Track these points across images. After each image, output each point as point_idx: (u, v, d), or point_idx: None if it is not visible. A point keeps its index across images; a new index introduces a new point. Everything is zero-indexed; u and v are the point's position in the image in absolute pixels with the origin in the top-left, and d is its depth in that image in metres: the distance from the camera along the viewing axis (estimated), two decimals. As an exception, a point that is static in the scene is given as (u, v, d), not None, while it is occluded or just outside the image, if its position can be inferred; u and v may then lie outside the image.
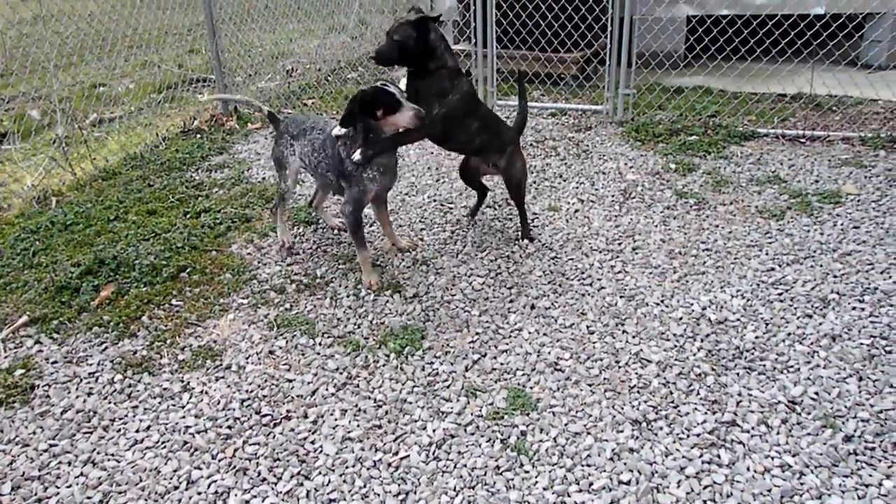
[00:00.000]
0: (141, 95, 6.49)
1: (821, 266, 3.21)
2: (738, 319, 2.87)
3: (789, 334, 2.75)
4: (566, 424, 2.37)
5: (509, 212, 3.90)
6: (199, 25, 7.24)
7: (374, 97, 2.92)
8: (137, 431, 2.43)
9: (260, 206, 4.10)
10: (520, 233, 3.63)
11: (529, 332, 2.86)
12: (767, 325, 2.82)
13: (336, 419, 2.44)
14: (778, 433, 2.28)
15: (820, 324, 2.80)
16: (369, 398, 2.54)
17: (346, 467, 2.24)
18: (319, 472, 2.22)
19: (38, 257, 3.57)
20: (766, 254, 3.35)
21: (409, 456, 2.27)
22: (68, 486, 2.22)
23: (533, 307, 3.03)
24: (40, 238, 3.77)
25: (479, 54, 5.29)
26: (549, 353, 2.73)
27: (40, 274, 3.40)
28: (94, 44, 5.81)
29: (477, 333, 2.87)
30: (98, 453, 2.34)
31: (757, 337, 2.75)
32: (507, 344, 2.80)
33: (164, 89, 6.52)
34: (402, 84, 3.11)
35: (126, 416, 2.51)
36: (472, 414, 2.44)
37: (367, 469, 2.23)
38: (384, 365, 2.71)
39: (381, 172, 3.13)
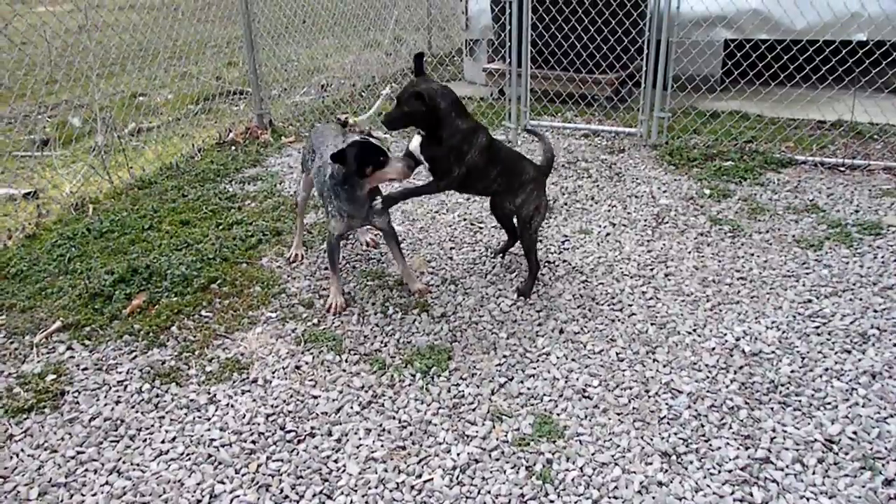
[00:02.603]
0: (178, 106, 6.61)
1: (860, 300, 3.13)
2: (773, 352, 2.80)
3: (827, 370, 2.67)
4: (593, 454, 2.32)
5: (541, 234, 3.86)
6: (237, 39, 7.37)
7: (360, 156, 2.81)
8: (163, 442, 2.44)
9: (291, 219, 4.13)
10: (521, 284, 3.32)
11: (557, 357, 2.82)
12: (804, 359, 2.75)
13: (360, 438, 2.43)
14: (814, 473, 2.20)
15: (859, 360, 2.72)
16: (394, 418, 2.52)
17: (369, 488, 2.22)
18: (342, 492, 2.20)
19: (74, 263, 3.63)
20: (803, 285, 3.27)
21: (432, 479, 2.24)
22: (94, 495, 2.23)
23: (562, 331, 2.99)
24: (76, 244, 3.84)
25: (514, 73, 5.29)
26: (578, 379, 2.68)
27: (75, 280, 3.45)
28: (136, 54, 5.94)
29: (504, 356, 2.83)
30: (124, 462, 2.36)
31: (793, 371, 2.68)
32: (535, 368, 2.76)
33: (201, 101, 6.63)
34: (415, 141, 3.02)
35: (152, 426, 2.52)
36: (497, 439, 2.40)
37: (390, 491, 2.20)
38: (410, 385, 2.69)
39: (346, 216, 3.06)
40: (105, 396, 2.68)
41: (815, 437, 2.34)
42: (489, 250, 3.70)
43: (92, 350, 2.96)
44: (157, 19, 6.15)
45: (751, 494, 2.13)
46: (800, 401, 2.52)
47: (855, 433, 2.35)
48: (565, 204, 4.27)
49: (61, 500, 2.21)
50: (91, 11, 5.22)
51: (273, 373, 2.79)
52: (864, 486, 2.14)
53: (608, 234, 3.86)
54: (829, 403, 2.50)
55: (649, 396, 2.58)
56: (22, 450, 2.42)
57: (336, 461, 2.33)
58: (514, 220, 3.29)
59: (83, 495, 2.23)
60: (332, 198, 3.05)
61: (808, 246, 3.63)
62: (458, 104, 2.93)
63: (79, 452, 2.40)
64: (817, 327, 2.94)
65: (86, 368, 2.85)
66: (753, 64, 5.18)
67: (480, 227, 4.00)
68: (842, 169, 4.63)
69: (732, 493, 2.14)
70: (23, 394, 2.68)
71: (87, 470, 2.33)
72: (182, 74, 7.17)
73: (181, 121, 6.17)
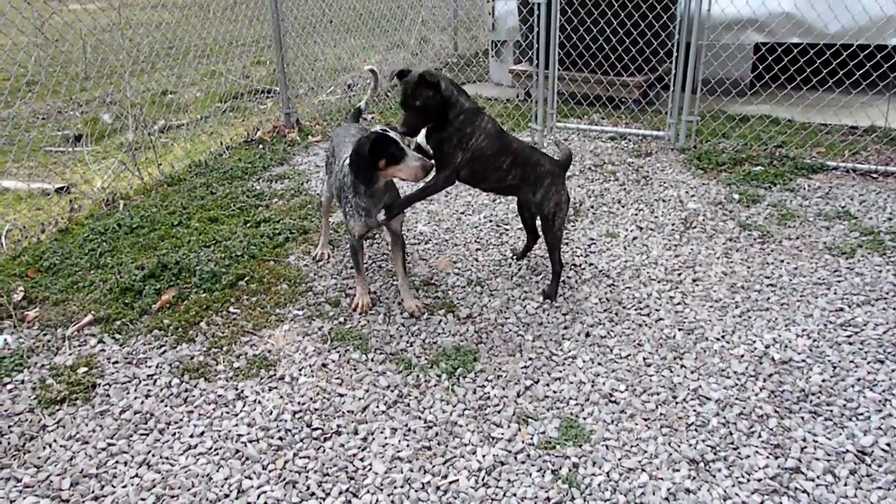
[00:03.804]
0: (207, 104, 6.68)
1: (894, 309, 3.07)
2: (804, 360, 2.76)
3: (859, 379, 2.63)
4: (620, 459, 2.31)
5: (566, 236, 3.85)
6: (265, 38, 7.44)
7: (374, 147, 2.76)
8: (192, 436, 2.47)
9: (317, 218, 4.15)
10: (546, 286, 3.31)
11: (584, 361, 2.80)
12: (835, 368, 2.71)
13: (386, 437, 2.44)
14: (846, 484, 2.17)
15: (892, 370, 2.67)
16: (419, 418, 2.52)
17: (395, 487, 2.22)
18: (368, 491, 2.21)
19: (105, 258, 3.69)
20: (835, 293, 3.22)
21: (458, 480, 2.24)
22: (123, 487, 2.26)
23: (588, 335, 2.98)
24: (107, 239, 3.90)
25: (541, 75, 5.27)
26: (604, 383, 2.67)
27: (106, 275, 3.51)
28: (166, 52, 6.02)
29: (530, 359, 2.83)
30: (153, 456, 2.39)
31: (824, 380, 2.64)
32: (561, 371, 2.75)
33: (228, 99, 6.70)
34: (421, 134, 2.97)
35: (181, 420, 2.55)
36: (523, 441, 2.40)
37: (416, 491, 2.21)
38: (435, 385, 2.69)
39: (364, 214, 3.00)
40: (135, 390, 2.72)
41: (847, 447, 2.31)
42: (513, 254, 3.69)
43: (122, 344, 3.00)
44: (188, 18, 6.23)
45: (780, 504, 2.11)
46: (831, 411, 2.48)
47: (888, 445, 2.31)
48: (592, 207, 4.25)
49: (92, 491, 2.25)
50: (124, 10, 5.31)
51: (300, 370, 2.81)
52: (897, 500, 2.10)
53: (635, 238, 3.84)
54: (861, 414, 2.46)
55: (677, 402, 2.56)
56: (55, 440, 2.46)
57: (362, 460, 2.34)
58: (538, 221, 3.27)
59: (114, 487, 2.27)
60: (351, 196, 3.01)
61: (839, 253, 3.57)
62: (455, 84, 2.89)
63: (109, 444, 2.44)
64: (849, 336, 2.90)
65: (116, 362, 2.89)
66: (784, 68, 5.12)
67: (506, 229, 4.00)
68: (874, 175, 4.56)
69: (762, 502, 2.12)
70: (55, 385, 2.73)
71: (117, 462, 2.36)
72: (210, 72, 7.26)
73: (209, 118, 6.23)
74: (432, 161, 2.90)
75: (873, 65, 4.68)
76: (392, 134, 2.81)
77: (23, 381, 2.76)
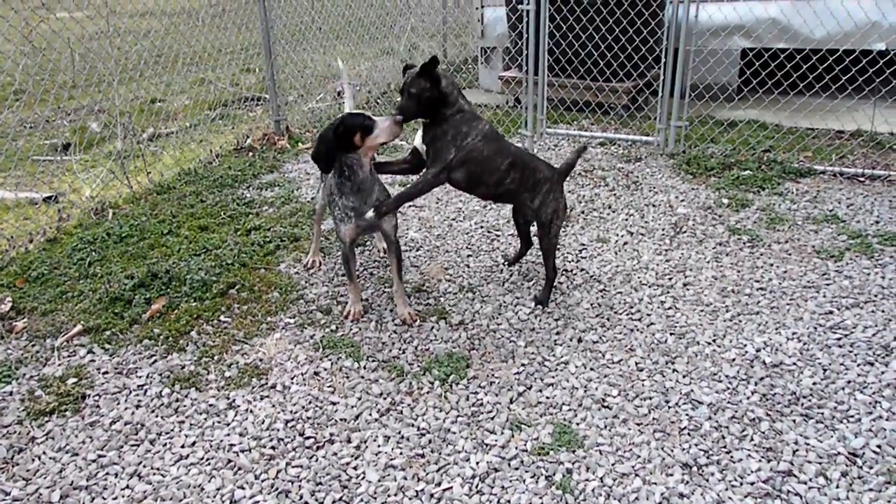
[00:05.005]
0: (196, 112, 6.66)
1: (882, 311, 3.09)
2: (795, 364, 2.77)
3: (849, 382, 2.65)
4: (613, 464, 2.31)
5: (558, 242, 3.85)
6: (254, 45, 7.43)
7: (346, 126, 2.80)
8: (183, 447, 2.45)
9: (308, 225, 4.15)
10: (539, 292, 3.31)
11: (576, 367, 2.81)
12: (826, 371, 2.72)
13: (379, 445, 2.43)
14: (838, 487, 2.18)
15: (882, 372, 2.69)
16: (413, 426, 2.52)
17: (389, 496, 2.21)
18: (361, 499, 2.20)
19: (94, 268, 3.66)
20: (824, 296, 3.24)
21: (451, 488, 2.23)
22: (114, 498, 2.24)
23: (580, 340, 2.98)
24: (96, 249, 3.87)
25: (531, 82, 5.29)
26: (597, 388, 2.67)
27: (95, 284, 3.48)
28: (155, 60, 5.99)
29: (523, 365, 2.83)
30: (144, 466, 2.37)
31: (815, 383, 2.65)
32: (553, 377, 2.75)
33: (217, 106, 6.68)
34: (418, 136, 3.02)
35: (172, 430, 2.53)
36: (516, 448, 2.39)
37: (410, 499, 2.20)
38: (428, 392, 2.69)
39: (353, 215, 2.97)
40: (125, 400, 2.70)
41: (839, 450, 2.32)
42: (504, 261, 3.69)
43: (112, 354, 2.98)
44: (176, 25, 6.21)
45: (773, 508, 2.11)
46: (822, 413, 2.49)
47: (879, 447, 2.32)
48: (582, 212, 4.27)
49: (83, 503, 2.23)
50: (112, 18, 5.29)
51: (292, 379, 2.79)
52: (889, 501, 2.11)
53: (626, 243, 3.85)
54: (852, 416, 2.47)
55: (669, 407, 2.57)
56: (44, 452, 2.44)
57: (355, 468, 2.33)
58: (534, 226, 3.27)
59: (104, 499, 2.24)
60: (339, 198, 2.98)
61: (828, 256, 3.60)
62: (458, 86, 2.94)
63: (100, 456, 2.42)
64: (839, 339, 2.92)
65: (106, 372, 2.86)
66: (771, 73, 5.16)
67: (497, 235, 4.00)
68: (861, 179, 4.60)
69: (755, 506, 2.12)
70: (44, 397, 2.70)
71: (108, 473, 2.34)
72: (199, 80, 7.24)
73: (199, 127, 6.21)
74: (401, 117, 2.89)
75: (858, 70, 4.73)
76: (354, 111, 2.85)
77: (11, 393, 2.74)
